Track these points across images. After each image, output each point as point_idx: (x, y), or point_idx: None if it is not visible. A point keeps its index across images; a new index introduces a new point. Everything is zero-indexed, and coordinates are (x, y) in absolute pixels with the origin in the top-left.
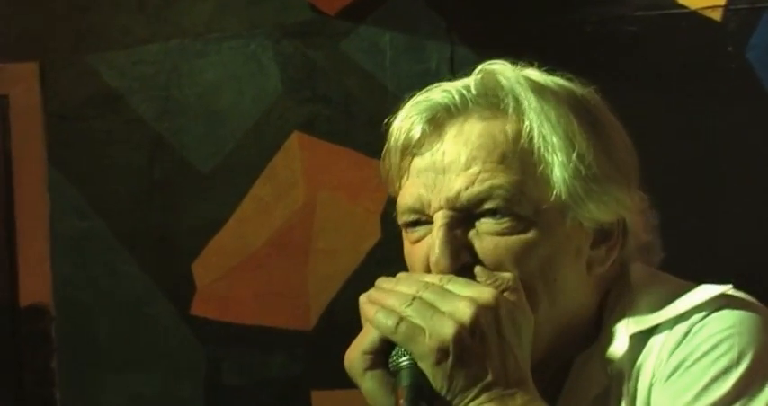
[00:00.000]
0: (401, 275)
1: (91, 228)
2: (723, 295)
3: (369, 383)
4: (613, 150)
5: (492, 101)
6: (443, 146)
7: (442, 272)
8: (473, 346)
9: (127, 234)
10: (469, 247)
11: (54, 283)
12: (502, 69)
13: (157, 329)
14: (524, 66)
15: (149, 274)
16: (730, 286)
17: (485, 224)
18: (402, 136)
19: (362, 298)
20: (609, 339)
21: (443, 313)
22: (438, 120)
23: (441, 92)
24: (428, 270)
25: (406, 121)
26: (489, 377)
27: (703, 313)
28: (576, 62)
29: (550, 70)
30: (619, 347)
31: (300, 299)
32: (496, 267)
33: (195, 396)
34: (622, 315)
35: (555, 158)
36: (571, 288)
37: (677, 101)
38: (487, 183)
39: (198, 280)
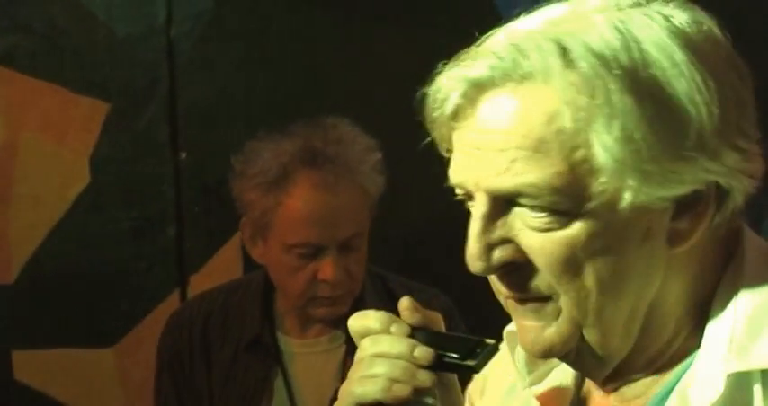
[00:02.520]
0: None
1: None
2: None
3: None
4: (685, 114)
5: (526, 71)
6: (478, 124)
7: (478, 273)
8: None
9: None
10: (512, 240)
11: None
12: (531, 34)
13: None
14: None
15: None
16: None
17: (525, 216)
18: (438, 108)
19: None
20: (705, 363)
21: None
22: (470, 96)
23: (472, 63)
24: None
25: (441, 93)
26: None
27: None
28: None
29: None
30: (709, 393)
31: (1, 250)
32: (545, 266)
33: None
34: (725, 333)
35: (598, 140)
36: (641, 274)
37: None
38: (519, 180)
39: None
